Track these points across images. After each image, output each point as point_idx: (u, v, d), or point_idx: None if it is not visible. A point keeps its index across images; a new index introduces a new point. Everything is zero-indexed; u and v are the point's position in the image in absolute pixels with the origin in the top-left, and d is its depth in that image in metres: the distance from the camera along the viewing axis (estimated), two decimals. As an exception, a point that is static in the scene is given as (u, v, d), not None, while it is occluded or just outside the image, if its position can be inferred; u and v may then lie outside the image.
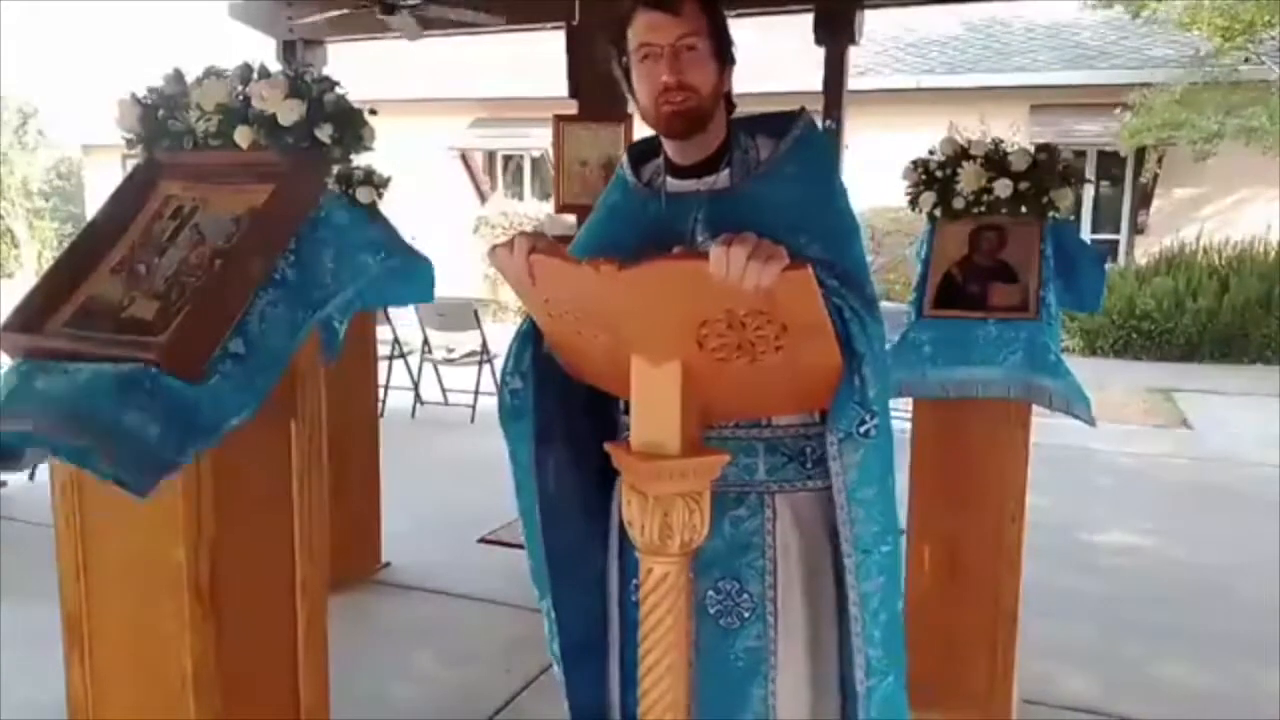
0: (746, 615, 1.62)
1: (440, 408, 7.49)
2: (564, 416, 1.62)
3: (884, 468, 1.46)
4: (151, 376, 1.68)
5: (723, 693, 1.61)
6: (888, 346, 1.57)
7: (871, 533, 1.46)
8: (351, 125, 2.18)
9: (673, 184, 1.66)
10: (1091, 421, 2.68)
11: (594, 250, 1.63)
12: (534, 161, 14.28)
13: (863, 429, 1.40)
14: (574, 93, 4.03)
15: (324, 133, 2.06)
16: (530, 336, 1.59)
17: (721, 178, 1.62)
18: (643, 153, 1.74)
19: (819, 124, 1.68)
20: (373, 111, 2.58)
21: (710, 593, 1.63)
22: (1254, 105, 9.80)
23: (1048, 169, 2.80)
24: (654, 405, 1.37)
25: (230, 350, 1.77)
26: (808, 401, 1.42)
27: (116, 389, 1.67)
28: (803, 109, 1.67)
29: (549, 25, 4.93)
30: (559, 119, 3.76)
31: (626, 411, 1.58)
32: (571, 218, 4.04)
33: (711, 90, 1.57)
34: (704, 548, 1.60)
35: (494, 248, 1.41)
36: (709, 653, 1.61)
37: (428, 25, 5.00)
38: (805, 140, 1.63)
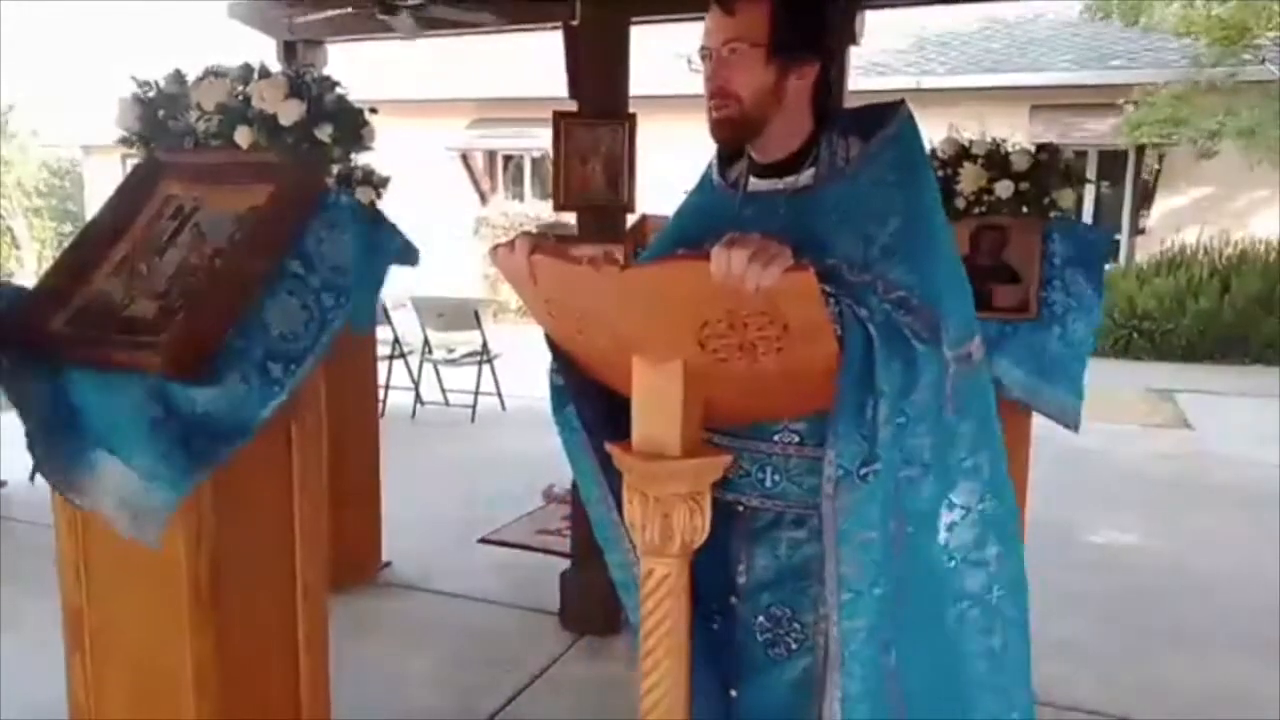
0: (795, 647, 1.53)
1: (440, 408, 7.48)
2: (606, 406, 1.56)
3: (884, 514, 1.37)
4: (162, 396, 1.67)
5: None
6: None
7: (862, 575, 1.38)
8: (351, 125, 2.18)
9: (755, 183, 1.61)
10: (1075, 427, 2.66)
11: (665, 251, 1.60)
12: (534, 161, 14.27)
13: (863, 470, 1.33)
14: (574, 93, 4.02)
15: (324, 132, 2.06)
16: None
17: (804, 176, 1.55)
18: (732, 151, 1.68)
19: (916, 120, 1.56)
20: (373, 111, 2.58)
21: (761, 619, 1.56)
22: (1254, 107, 9.78)
23: (1049, 169, 2.81)
24: (655, 406, 1.36)
25: (238, 348, 1.76)
26: (810, 403, 1.40)
27: (121, 420, 1.68)
28: (902, 101, 1.57)
29: (549, 25, 4.92)
30: (559, 116, 3.74)
31: None
32: (572, 218, 4.03)
33: (759, 95, 1.50)
34: (756, 572, 1.56)
35: (495, 248, 1.40)
36: (754, 682, 1.56)
37: (428, 25, 5.00)
38: (896, 140, 1.53)
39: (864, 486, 1.34)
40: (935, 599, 1.51)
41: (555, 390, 1.59)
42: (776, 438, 1.52)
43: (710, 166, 1.72)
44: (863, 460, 1.33)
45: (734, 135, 1.56)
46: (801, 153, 1.56)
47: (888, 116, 1.55)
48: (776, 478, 1.53)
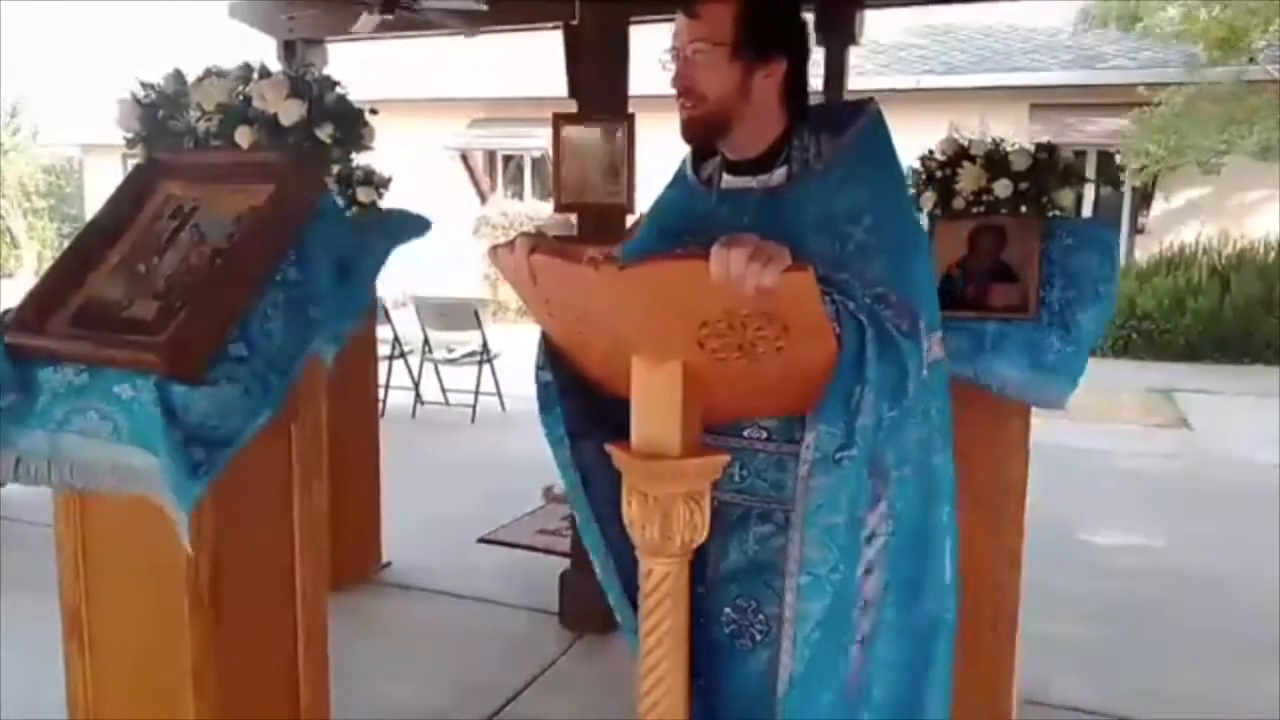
0: (759, 638, 1.56)
1: (440, 408, 7.49)
2: (596, 407, 1.58)
3: (851, 502, 1.39)
4: (162, 395, 1.67)
5: (738, 713, 1.57)
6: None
7: (824, 559, 1.39)
8: (352, 125, 2.18)
9: (728, 180, 1.62)
10: (1060, 406, 2.68)
11: (640, 248, 1.61)
12: (534, 161, 14.27)
13: (838, 455, 1.35)
14: (573, 93, 4.02)
15: (324, 132, 2.06)
16: None
17: (777, 175, 1.57)
18: (703, 149, 1.69)
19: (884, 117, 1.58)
20: (373, 111, 2.58)
21: (727, 610, 1.59)
22: (1262, 118, 9.71)
23: (1048, 169, 2.80)
24: (654, 406, 1.37)
25: (233, 354, 1.77)
26: (809, 403, 1.40)
27: (133, 438, 1.69)
28: (870, 100, 1.59)
29: (549, 25, 4.92)
30: (558, 118, 3.74)
31: None
32: (572, 217, 4.03)
33: (725, 95, 1.52)
34: (725, 564, 1.58)
35: (494, 248, 1.41)
36: (720, 671, 1.58)
37: (427, 25, 5.00)
38: (865, 137, 1.54)
39: (837, 471, 1.36)
40: (921, 599, 1.54)
41: (543, 387, 1.59)
42: (746, 433, 1.54)
43: (684, 162, 1.73)
44: (839, 446, 1.35)
45: (703, 134, 1.57)
46: (773, 150, 1.57)
47: (857, 114, 1.56)
48: (745, 473, 1.55)
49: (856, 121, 1.55)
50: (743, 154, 1.59)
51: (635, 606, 1.62)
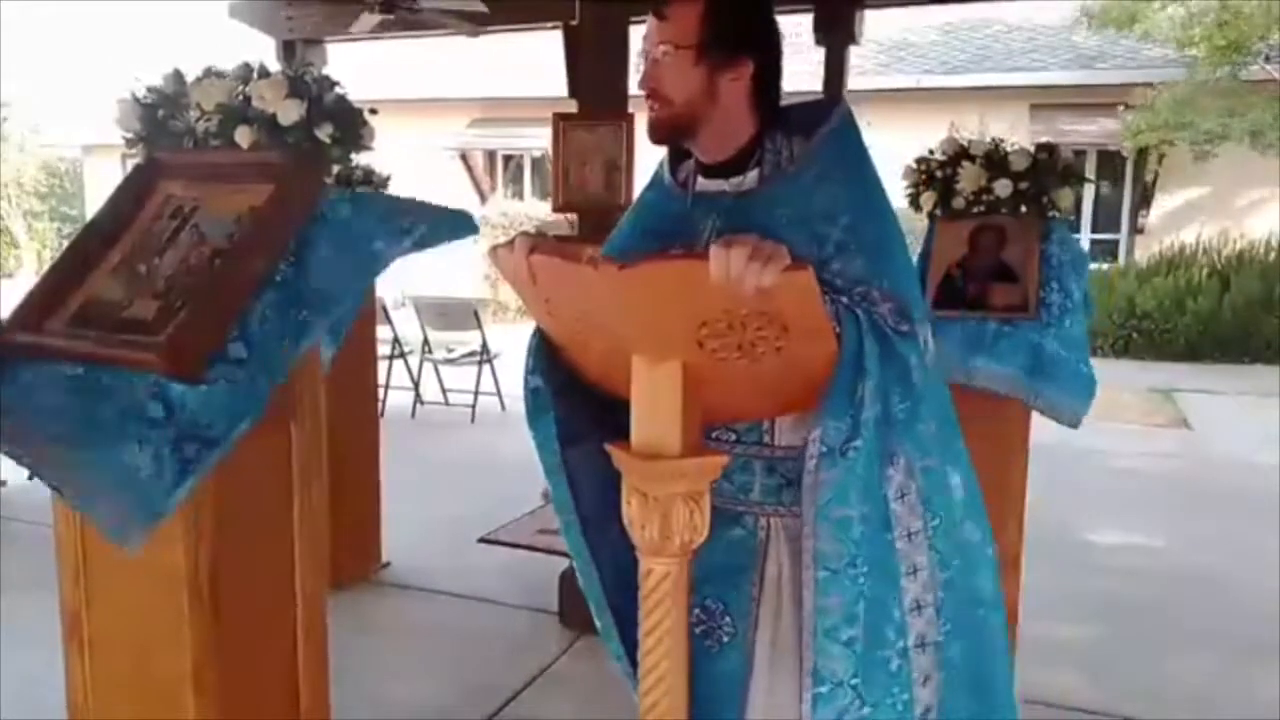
0: (725, 640, 1.58)
1: (440, 408, 7.49)
2: (589, 411, 1.57)
3: (862, 496, 1.38)
4: (160, 391, 1.67)
5: (703, 712, 1.57)
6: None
7: (839, 553, 1.39)
8: (351, 125, 2.18)
9: (702, 183, 1.62)
10: (1075, 425, 2.67)
11: (620, 246, 1.62)
12: (534, 161, 14.28)
13: (845, 447, 1.36)
14: (574, 93, 4.03)
15: (324, 132, 2.06)
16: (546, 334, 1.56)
17: (749, 178, 1.56)
18: (673, 150, 1.69)
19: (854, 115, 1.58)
20: (373, 111, 2.58)
21: (697, 610, 1.59)
22: (1257, 109, 9.75)
23: (1048, 169, 2.80)
24: (654, 406, 1.36)
25: (231, 355, 1.77)
26: (810, 403, 1.40)
27: (117, 420, 1.68)
28: (839, 99, 1.60)
29: (549, 25, 4.93)
30: (559, 118, 3.75)
31: None
32: (572, 217, 4.03)
33: (690, 98, 1.51)
34: (697, 565, 1.56)
35: (494, 248, 1.40)
36: (690, 668, 1.56)
37: (427, 25, 5.00)
38: (837, 137, 1.54)
39: (844, 462, 1.36)
40: (976, 597, 1.55)
41: (531, 392, 1.57)
42: (714, 435, 1.54)
43: (662, 164, 1.73)
44: (846, 439, 1.36)
45: (669, 135, 1.57)
46: (745, 153, 1.57)
47: (828, 114, 1.56)
48: None
49: (827, 122, 1.55)
50: (713, 157, 1.59)
51: (614, 612, 1.64)
